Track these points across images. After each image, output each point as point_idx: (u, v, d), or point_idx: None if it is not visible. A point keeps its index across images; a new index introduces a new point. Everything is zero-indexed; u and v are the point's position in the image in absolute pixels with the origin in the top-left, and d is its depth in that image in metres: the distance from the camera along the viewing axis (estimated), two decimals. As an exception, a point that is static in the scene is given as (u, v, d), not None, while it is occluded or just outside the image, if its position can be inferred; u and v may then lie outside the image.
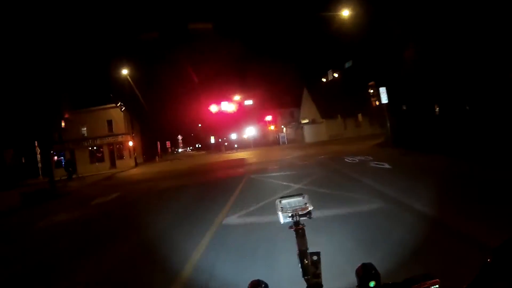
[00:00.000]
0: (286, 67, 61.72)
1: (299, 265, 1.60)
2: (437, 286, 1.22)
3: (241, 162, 29.26)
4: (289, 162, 22.59)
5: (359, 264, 1.45)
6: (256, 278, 1.52)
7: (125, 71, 42.92)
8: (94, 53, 53.37)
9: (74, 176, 35.73)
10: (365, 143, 31.34)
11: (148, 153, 68.62)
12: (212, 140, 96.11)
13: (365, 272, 1.41)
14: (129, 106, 52.56)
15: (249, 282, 1.49)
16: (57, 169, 49.77)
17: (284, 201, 1.78)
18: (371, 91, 29.95)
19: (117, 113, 50.29)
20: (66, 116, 48.82)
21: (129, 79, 43.64)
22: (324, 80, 41.20)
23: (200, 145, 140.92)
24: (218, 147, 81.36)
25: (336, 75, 38.38)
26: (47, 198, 20.80)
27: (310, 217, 1.73)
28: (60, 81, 41.65)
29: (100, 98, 47.15)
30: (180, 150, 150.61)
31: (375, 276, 1.38)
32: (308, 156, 25.55)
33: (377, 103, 28.40)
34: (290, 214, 1.72)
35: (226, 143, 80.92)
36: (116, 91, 47.09)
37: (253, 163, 26.68)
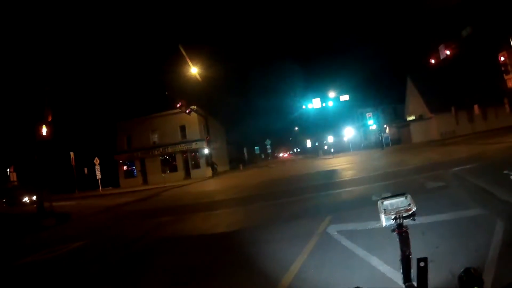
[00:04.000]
0: (385, 56, 52.62)
1: (401, 270, 1.61)
2: None
3: (331, 175, 21.07)
4: (408, 181, 13.66)
5: (463, 268, 1.44)
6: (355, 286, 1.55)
7: (195, 70, 36.59)
8: (165, 54, 49.62)
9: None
10: (499, 142, 22.18)
11: (235, 160, 62.80)
12: (309, 144, 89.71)
13: (468, 277, 1.39)
14: (208, 110, 46.91)
15: None
16: (128, 179, 46.39)
17: (386, 202, 1.71)
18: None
19: (190, 117, 44.07)
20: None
21: (199, 79, 37.60)
22: (433, 61, 32.21)
23: (298, 149, 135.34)
24: (315, 152, 74.31)
25: (448, 52, 29.41)
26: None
27: (414, 219, 1.67)
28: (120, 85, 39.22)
29: (172, 101, 41.55)
30: (281, 154, 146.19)
31: (479, 282, 1.36)
32: (433, 166, 16.44)
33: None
34: (393, 217, 1.66)
35: (324, 147, 73.59)
36: (191, 94, 41.48)
37: (348, 179, 18.01)
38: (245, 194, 18.78)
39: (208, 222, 11.95)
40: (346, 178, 18.82)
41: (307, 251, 6.55)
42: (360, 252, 5.92)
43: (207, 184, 32.27)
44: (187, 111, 39.85)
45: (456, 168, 14.04)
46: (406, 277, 1.62)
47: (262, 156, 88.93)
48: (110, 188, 44.08)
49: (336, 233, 7.41)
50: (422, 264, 1.54)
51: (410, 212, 1.67)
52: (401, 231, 1.65)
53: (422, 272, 1.54)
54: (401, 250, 1.63)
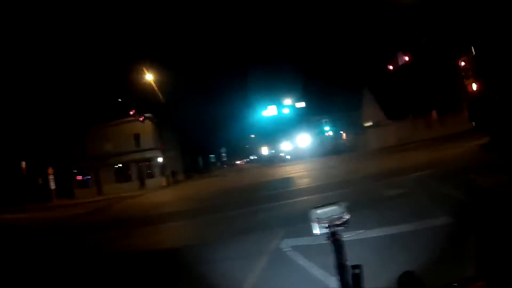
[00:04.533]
0: (342, 63, 52.82)
1: (338, 278, 1.58)
2: None
3: (286, 183, 20.36)
4: (366, 188, 13.02)
5: (401, 272, 1.49)
6: None
7: (151, 77, 36.12)
8: (121, 61, 48.48)
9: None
10: (458, 146, 22.06)
11: (190, 169, 61.60)
12: (265, 151, 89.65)
13: (407, 281, 1.45)
14: (162, 119, 45.71)
15: None
16: (82, 189, 44.89)
17: (319, 211, 1.72)
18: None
19: (145, 126, 42.86)
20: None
21: (156, 87, 36.77)
22: (391, 68, 32.35)
23: (255, 157, 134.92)
24: (271, 159, 74.13)
25: (407, 58, 29.61)
26: None
27: (346, 227, 1.69)
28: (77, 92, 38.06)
29: (126, 109, 40.15)
30: (237, 162, 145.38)
31: (419, 285, 1.43)
32: (393, 172, 15.88)
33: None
34: (326, 225, 1.69)
35: (280, 154, 73.44)
36: (146, 102, 40.40)
37: (303, 188, 17.47)
38: (197, 205, 18.07)
39: (156, 237, 11.27)
40: (301, 187, 18.18)
41: (258, 270, 5.96)
42: (316, 271, 5.29)
43: (161, 194, 31.29)
44: (140, 119, 39.02)
45: (417, 174, 13.52)
46: (342, 284, 1.58)
47: (218, 164, 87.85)
48: (65, 199, 42.36)
49: (290, 248, 6.79)
50: (357, 271, 1.54)
51: (344, 221, 1.69)
52: (335, 239, 1.65)
53: (357, 279, 1.54)
54: (336, 258, 1.62)
